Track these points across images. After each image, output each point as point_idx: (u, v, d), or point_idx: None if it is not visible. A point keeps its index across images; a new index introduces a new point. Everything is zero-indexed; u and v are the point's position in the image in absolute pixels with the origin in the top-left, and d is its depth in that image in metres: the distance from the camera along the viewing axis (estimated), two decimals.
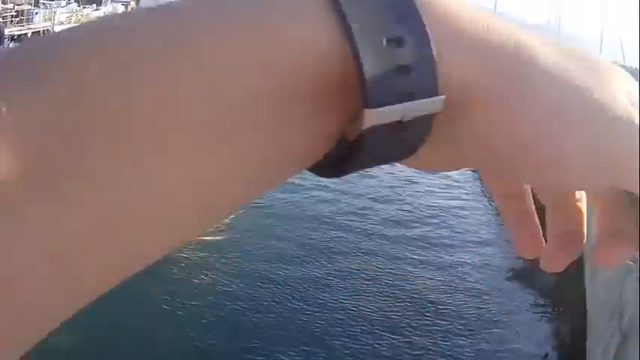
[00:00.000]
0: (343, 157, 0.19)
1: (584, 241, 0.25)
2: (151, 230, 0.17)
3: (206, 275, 6.77)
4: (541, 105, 0.19)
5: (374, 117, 0.17)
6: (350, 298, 6.51)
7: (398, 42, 0.17)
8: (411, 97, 0.17)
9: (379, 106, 0.17)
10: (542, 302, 7.02)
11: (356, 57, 0.17)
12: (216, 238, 7.88)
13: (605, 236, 0.23)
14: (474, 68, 0.18)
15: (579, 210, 0.25)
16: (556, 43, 0.19)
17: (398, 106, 0.17)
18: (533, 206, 0.26)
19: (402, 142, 0.19)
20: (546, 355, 6.09)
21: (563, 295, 6.92)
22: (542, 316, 6.72)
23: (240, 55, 0.16)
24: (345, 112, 0.18)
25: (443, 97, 0.18)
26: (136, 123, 0.16)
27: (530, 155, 0.19)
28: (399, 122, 0.18)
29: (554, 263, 0.25)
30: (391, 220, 8.84)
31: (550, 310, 6.86)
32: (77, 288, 0.16)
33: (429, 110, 0.18)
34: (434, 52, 0.17)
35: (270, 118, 0.17)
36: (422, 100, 0.17)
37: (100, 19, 0.18)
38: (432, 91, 0.17)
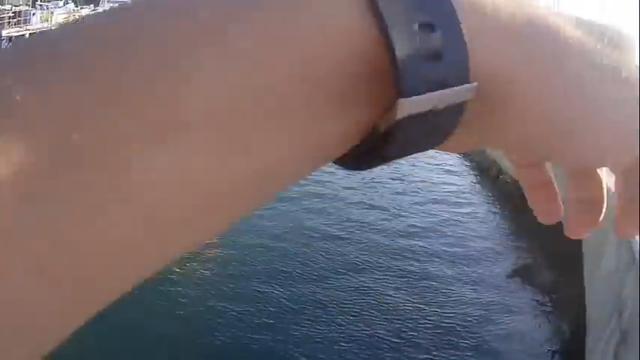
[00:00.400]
0: (372, 148, 0.18)
1: (604, 208, 0.26)
2: (185, 224, 0.16)
3: (198, 292, 6.76)
4: (575, 89, 0.19)
5: (408, 106, 0.17)
6: (344, 315, 6.51)
7: (429, 27, 0.17)
8: (443, 84, 0.17)
9: (413, 95, 0.16)
10: (541, 300, 7.02)
11: (389, 43, 0.16)
12: (207, 254, 7.87)
13: (627, 206, 0.24)
14: (505, 54, 0.18)
15: (599, 177, 0.26)
16: (576, 20, 0.20)
17: (432, 95, 0.17)
18: (551, 174, 0.28)
19: (434, 131, 0.18)
20: (546, 353, 6.08)
21: (562, 293, 6.91)
22: (541, 315, 6.72)
23: (273, 43, 0.16)
24: (379, 102, 0.17)
25: (475, 84, 0.17)
26: (159, 109, 0.15)
27: (569, 139, 0.20)
28: (431, 111, 0.17)
29: (577, 229, 0.26)
30: (390, 231, 8.85)
31: (549, 308, 6.86)
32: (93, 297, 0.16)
33: (462, 98, 0.18)
34: (465, 38, 0.17)
35: (302, 108, 0.17)
36: (455, 88, 0.17)
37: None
38: (464, 79, 0.17)
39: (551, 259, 7.83)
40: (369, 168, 0.19)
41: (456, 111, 0.18)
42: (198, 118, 0.15)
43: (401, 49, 0.16)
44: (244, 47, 0.16)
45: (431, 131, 0.18)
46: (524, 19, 0.18)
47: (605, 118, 0.20)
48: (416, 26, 0.17)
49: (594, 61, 0.19)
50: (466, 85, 0.17)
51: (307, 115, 0.17)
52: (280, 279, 6.76)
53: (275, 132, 0.16)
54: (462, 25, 0.17)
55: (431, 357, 5.64)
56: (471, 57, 0.17)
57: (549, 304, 6.94)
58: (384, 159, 0.19)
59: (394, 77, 0.16)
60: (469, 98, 0.18)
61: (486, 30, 0.18)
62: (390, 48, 0.16)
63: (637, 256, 4.44)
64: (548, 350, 6.08)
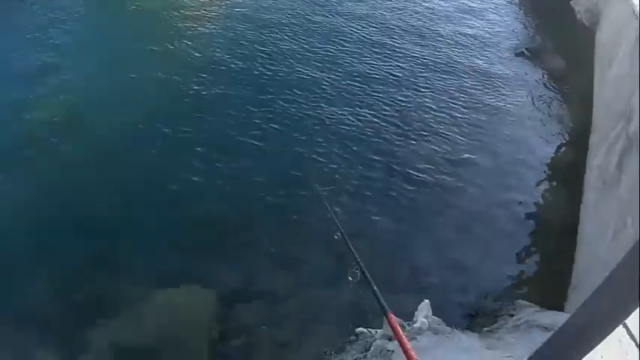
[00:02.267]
0: None
1: None
2: None
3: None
4: None
5: None
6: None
7: None
8: None
9: None
10: (548, 85, 7.06)
11: None
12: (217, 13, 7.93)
13: None
14: None
15: None
16: None
17: None
18: None
19: None
20: (553, 137, 6.37)
21: (570, 85, 6.91)
22: (547, 100, 6.82)
23: None
24: None
25: None
26: None
27: None
28: None
29: None
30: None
31: (556, 95, 6.93)
32: None
33: None
34: None
35: None
36: None
37: None
38: None
39: (564, 46, 7.58)
40: None
41: None
42: None
43: None
44: None
45: None
46: None
47: None
48: None
49: None
50: None
51: None
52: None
53: None
54: None
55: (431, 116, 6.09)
56: None
57: (556, 91, 7.00)
58: None
59: None
60: None
61: None
62: None
63: None
64: (554, 134, 6.30)
